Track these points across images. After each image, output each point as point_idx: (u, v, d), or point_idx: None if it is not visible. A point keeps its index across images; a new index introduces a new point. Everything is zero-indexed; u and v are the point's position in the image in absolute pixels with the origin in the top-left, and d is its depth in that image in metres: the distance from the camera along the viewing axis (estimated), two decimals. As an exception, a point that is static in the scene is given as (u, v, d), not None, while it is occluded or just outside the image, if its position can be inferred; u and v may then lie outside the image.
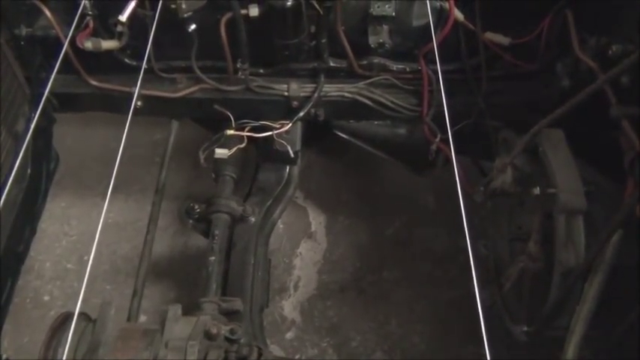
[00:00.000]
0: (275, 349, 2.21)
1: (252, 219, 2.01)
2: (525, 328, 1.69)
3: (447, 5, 1.86)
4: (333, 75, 2.05)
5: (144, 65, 1.66)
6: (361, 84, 2.04)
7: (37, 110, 1.93)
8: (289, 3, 1.79)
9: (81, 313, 1.36)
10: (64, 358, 1.21)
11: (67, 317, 1.43)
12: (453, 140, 1.49)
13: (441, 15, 1.89)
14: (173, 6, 1.77)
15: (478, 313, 1.15)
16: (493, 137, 1.94)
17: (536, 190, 1.65)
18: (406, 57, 2.02)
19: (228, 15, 1.84)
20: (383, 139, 2.23)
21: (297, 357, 2.23)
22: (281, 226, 2.51)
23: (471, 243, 1.24)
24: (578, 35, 1.73)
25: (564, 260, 1.51)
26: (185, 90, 2.05)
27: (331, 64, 2.03)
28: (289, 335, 2.29)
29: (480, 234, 2.00)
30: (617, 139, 1.50)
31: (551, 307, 1.54)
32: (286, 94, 2.04)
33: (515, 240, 1.97)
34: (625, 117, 1.45)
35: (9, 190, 1.76)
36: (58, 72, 1.70)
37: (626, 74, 1.48)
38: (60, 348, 1.37)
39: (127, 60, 2.04)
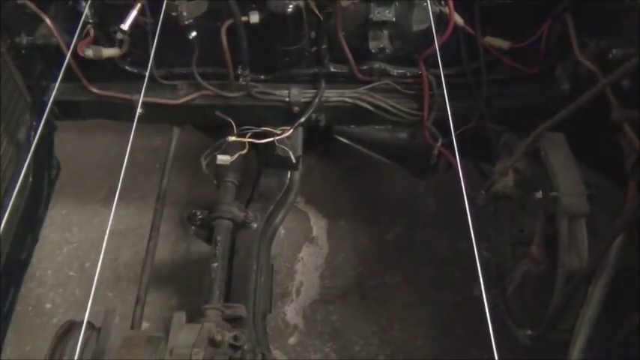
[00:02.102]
0: (278, 355, 2.21)
1: (255, 225, 2.01)
2: (529, 332, 1.69)
3: (446, 10, 1.86)
4: (333, 80, 2.06)
5: (148, 73, 1.66)
6: (362, 89, 2.05)
7: (38, 118, 1.94)
8: (290, 9, 1.79)
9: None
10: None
11: (71, 326, 1.43)
12: (455, 144, 1.49)
13: (440, 20, 1.89)
14: (174, 13, 1.77)
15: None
16: (494, 141, 1.94)
17: (539, 194, 1.65)
18: (406, 62, 2.03)
19: (229, 22, 1.85)
20: (384, 143, 2.23)
21: (300, 362, 2.23)
22: (282, 231, 2.51)
23: (474, 246, 1.23)
24: (578, 39, 1.74)
25: (567, 263, 1.51)
26: (186, 97, 2.05)
27: (332, 69, 2.03)
28: (292, 340, 2.29)
29: (482, 237, 2.01)
30: (618, 142, 1.50)
31: (554, 310, 1.54)
32: (287, 99, 2.05)
33: (516, 243, 1.97)
34: (626, 120, 1.46)
35: (11, 198, 1.76)
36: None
37: (626, 77, 1.49)
38: (65, 357, 1.37)
39: (127, 67, 2.05)
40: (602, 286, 1.40)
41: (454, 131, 1.54)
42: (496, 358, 1.03)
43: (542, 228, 1.66)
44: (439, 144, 1.98)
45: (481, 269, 1.20)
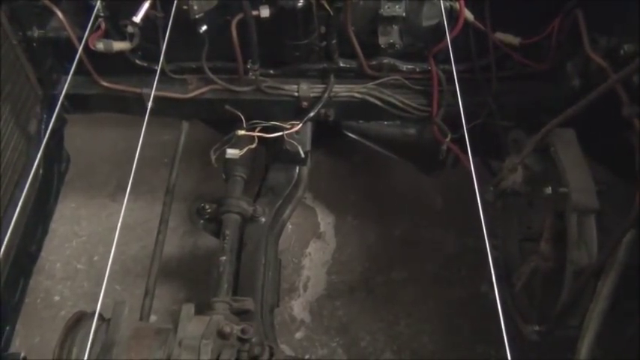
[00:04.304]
0: (285, 349, 2.21)
1: (263, 219, 2.01)
2: (537, 328, 1.69)
3: (457, 5, 1.86)
4: (343, 75, 2.06)
5: (159, 67, 1.67)
6: (371, 84, 2.05)
7: (49, 111, 1.95)
8: (300, 4, 1.80)
9: (94, 313, 1.36)
10: (85, 357, 1.21)
11: (80, 317, 1.44)
12: (465, 140, 1.49)
13: (450, 15, 1.89)
14: (185, 7, 1.78)
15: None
16: (503, 137, 1.94)
17: (548, 190, 1.65)
18: (416, 57, 2.03)
19: (239, 16, 1.85)
20: (392, 139, 2.23)
21: (306, 357, 2.23)
22: (290, 226, 2.51)
23: (484, 242, 1.23)
24: (588, 35, 1.73)
25: (576, 260, 1.51)
26: (196, 91, 2.06)
27: (341, 64, 2.04)
28: (299, 335, 2.29)
29: (490, 234, 2.00)
30: (629, 138, 1.50)
31: (563, 306, 1.54)
32: (296, 94, 2.05)
33: (524, 240, 1.97)
34: (637, 116, 1.46)
35: (22, 190, 1.78)
36: (69, 73, 1.71)
37: (637, 74, 1.48)
38: (74, 348, 1.38)
39: (137, 61, 2.06)
40: (611, 283, 1.39)
41: (462, 127, 1.54)
42: (508, 356, 1.02)
43: (551, 224, 1.66)
44: (448, 140, 1.99)
45: (490, 267, 1.20)
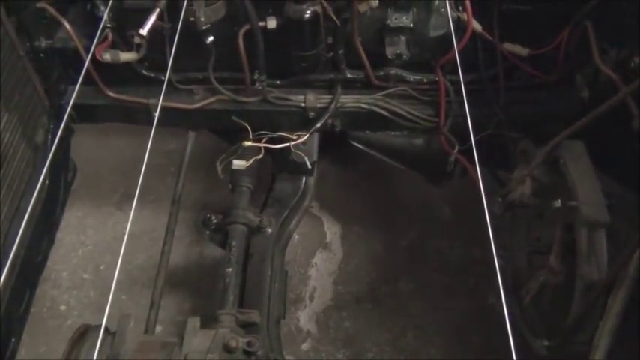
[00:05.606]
0: (291, 361, 2.21)
1: (269, 230, 2.00)
2: (546, 343, 1.67)
3: (464, 16, 1.85)
4: (349, 86, 2.05)
5: (167, 77, 1.67)
6: (378, 95, 2.04)
7: (56, 121, 1.95)
8: (307, 15, 1.79)
9: (99, 326, 1.36)
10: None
11: (86, 329, 1.44)
12: (472, 151, 1.48)
13: (458, 26, 1.88)
14: (192, 18, 1.78)
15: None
16: (512, 148, 1.93)
17: (557, 203, 1.63)
18: (423, 68, 2.02)
19: (246, 27, 1.85)
20: (400, 149, 2.22)
21: (313, 368, 2.22)
22: (296, 236, 2.49)
23: (492, 254, 1.22)
24: (598, 46, 1.72)
25: (586, 274, 1.50)
26: (202, 101, 2.06)
27: (348, 75, 2.03)
28: (305, 346, 2.28)
29: (498, 246, 1.98)
30: (638, 151, 1.48)
31: (572, 321, 1.52)
32: (303, 105, 2.05)
33: (533, 252, 1.95)
34: (647, 129, 1.44)
35: (28, 200, 1.78)
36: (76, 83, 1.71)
37: (648, 86, 1.47)
38: (80, 361, 1.37)
39: (144, 72, 2.06)
40: (621, 298, 1.37)
41: (470, 139, 1.53)
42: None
43: (561, 238, 1.64)
44: (456, 151, 1.97)
45: (498, 278, 1.19)
